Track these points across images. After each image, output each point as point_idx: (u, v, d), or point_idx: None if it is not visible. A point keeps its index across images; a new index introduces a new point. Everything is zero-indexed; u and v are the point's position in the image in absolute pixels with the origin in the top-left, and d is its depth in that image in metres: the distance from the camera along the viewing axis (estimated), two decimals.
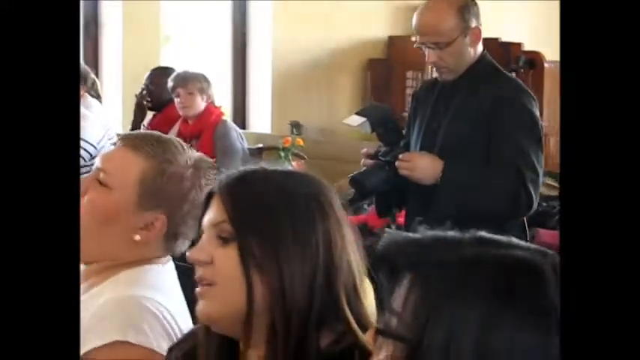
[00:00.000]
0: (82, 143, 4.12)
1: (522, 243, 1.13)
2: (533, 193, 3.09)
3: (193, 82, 5.18)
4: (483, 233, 1.13)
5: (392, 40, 7.95)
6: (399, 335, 1.09)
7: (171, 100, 5.28)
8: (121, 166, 1.92)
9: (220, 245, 1.52)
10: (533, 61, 7.17)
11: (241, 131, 5.48)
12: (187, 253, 1.58)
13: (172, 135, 4.88)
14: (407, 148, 3.32)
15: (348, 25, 7.76)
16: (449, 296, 1.06)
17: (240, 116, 7.65)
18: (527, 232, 3.32)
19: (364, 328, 1.46)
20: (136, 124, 5.47)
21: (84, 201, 1.88)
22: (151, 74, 5.55)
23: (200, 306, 1.54)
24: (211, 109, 5.25)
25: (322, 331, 1.49)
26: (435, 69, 3.31)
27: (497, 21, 6.67)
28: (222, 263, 1.51)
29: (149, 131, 2.25)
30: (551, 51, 7.05)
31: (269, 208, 1.51)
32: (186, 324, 1.85)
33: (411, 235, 1.15)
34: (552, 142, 6.28)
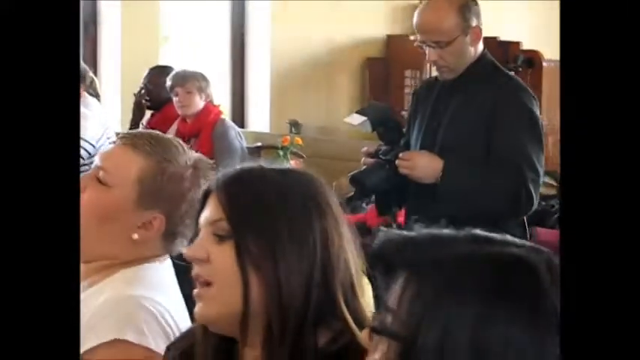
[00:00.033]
0: (80, 142, 4.12)
1: (517, 240, 1.13)
2: (533, 192, 3.09)
3: (192, 81, 5.18)
4: (478, 231, 1.13)
5: (390, 39, 7.95)
6: (393, 333, 1.09)
7: (169, 99, 5.28)
8: (120, 164, 1.92)
9: (217, 243, 1.52)
10: (532, 60, 7.17)
11: (240, 130, 5.47)
12: (184, 250, 1.58)
13: (171, 134, 4.89)
14: (407, 147, 3.32)
15: (346, 24, 7.76)
16: (443, 294, 1.06)
17: (239, 115, 7.64)
18: (528, 231, 3.32)
19: (362, 326, 1.46)
20: (134, 123, 5.46)
21: (82, 199, 1.88)
22: (149, 73, 5.56)
23: (198, 308, 1.54)
24: (210, 108, 5.25)
25: (319, 330, 1.49)
26: (435, 68, 3.31)
27: (495, 20, 6.66)
28: (219, 261, 1.51)
29: (148, 130, 2.25)
30: (549, 50, 7.05)
31: (266, 206, 1.51)
32: (184, 321, 1.85)
33: (406, 233, 1.15)
34: (551, 141, 6.28)
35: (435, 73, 3.41)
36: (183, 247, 1.71)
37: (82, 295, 1.82)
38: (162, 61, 6.48)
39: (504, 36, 7.18)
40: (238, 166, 1.58)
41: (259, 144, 6.09)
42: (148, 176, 1.90)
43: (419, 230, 1.15)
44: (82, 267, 1.91)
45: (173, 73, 5.28)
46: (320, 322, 1.49)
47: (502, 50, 6.88)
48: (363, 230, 4.29)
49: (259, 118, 7.69)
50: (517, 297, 1.05)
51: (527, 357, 1.04)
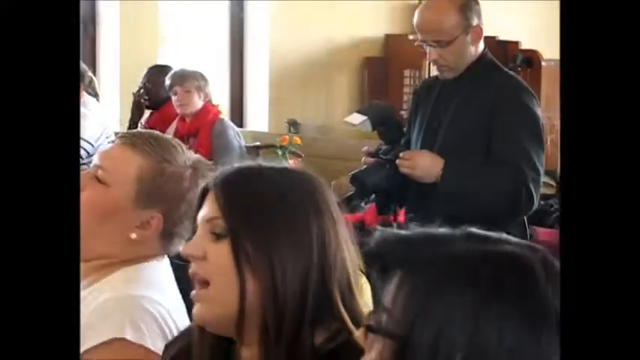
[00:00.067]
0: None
1: (512, 238, 1.12)
2: (534, 192, 3.09)
3: (191, 80, 5.18)
4: (473, 229, 1.13)
5: (389, 38, 7.95)
6: (388, 332, 1.08)
7: (168, 99, 5.28)
8: (119, 163, 1.92)
9: (213, 241, 1.51)
10: (531, 59, 7.16)
11: (239, 129, 5.48)
12: (181, 248, 1.58)
13: (170, 133, 4.89)
14: (408, 146, 3.32)
15: (345, 24, 7.76)
16: (438, 292, 1.06)
17: (238, 114, 7.64)
18: (528, 230, 3.32)
19: (359, 325, 1.46)
20: (133, 123, 5.47)
21: (81, 198, 1.88)
22: (148, 72, 5.56)
23: (196, 310, 1.54)
24: (209, 107, 5.25)
25: (316, 329, 1.49)
26: (435, 67, 3.31)
27: (494, 19, 6.66)
28: (215, 259, 1.50)
29: (147, 130, 2.26)
30: (548, 49, 7.04)
31: (263, 205, 1.50)
32: (182, 319, 1.86)
33: (401, 232, 1.15)
34: (549, 141, 6.28)
35: (434, 73, 3.41)
36: (180, 246, 1.72)
37: (82, 294, 1.83)
38: (161, 61, 6.48)
39: (503, 35, 7.17)
40: (236, 165, 1.58)
41: (258, 143, 6.08)
42: (147, 176, 1.90)
43: (414, 229, 1.15)
44: (81, 266, 1.91)
45: (172, 72, 5.29)
46: (317, 321, 1.48)
47: (501, 50, 6.87)
48: (362, 230, 4.29)
49: (258, 118, 7.69)
50: (512, 295, 1.05)
51: (522, 355, 1.04)
